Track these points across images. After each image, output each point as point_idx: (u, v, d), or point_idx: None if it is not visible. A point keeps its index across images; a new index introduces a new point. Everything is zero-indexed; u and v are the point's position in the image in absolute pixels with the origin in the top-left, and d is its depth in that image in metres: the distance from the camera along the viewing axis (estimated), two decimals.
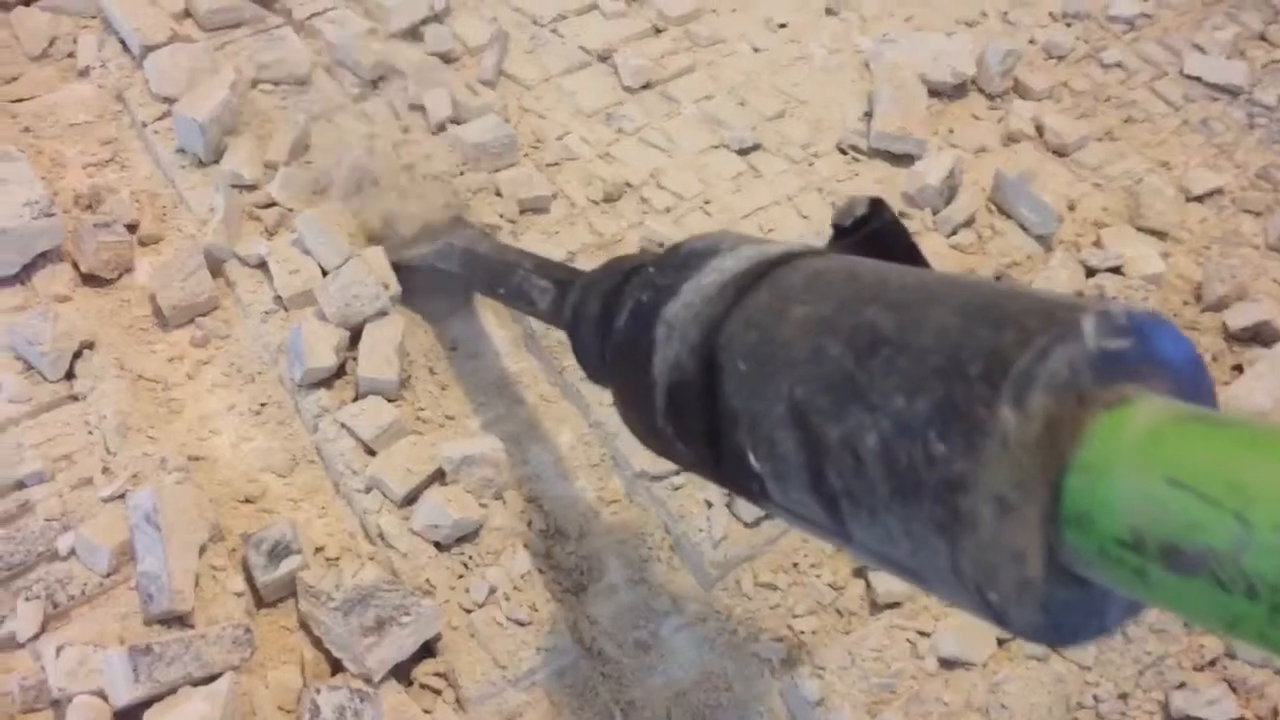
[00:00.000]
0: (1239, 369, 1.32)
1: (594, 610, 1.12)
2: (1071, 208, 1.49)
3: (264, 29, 1.57)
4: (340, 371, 1.22)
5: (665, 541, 1.16)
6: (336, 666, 1.04)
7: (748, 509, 1.15)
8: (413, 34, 1.61)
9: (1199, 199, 1.52)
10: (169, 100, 1.45)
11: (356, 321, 1.23)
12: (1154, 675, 1.08)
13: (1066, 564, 0.46)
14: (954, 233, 1.44)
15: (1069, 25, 1.77)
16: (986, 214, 1.48)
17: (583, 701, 1.05)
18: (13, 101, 1.47)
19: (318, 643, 1.05)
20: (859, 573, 1.14)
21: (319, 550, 1.11)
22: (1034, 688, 1.06)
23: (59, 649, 0.99)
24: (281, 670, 1.03)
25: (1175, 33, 1.77)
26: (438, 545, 1.11)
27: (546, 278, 1.04)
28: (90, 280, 1.29)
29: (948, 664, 1.08)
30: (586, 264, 1.21)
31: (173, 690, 0.97)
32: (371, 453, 1.17)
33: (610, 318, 0.77)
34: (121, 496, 1.09)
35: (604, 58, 1.64)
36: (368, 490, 1.14)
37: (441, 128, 1.49)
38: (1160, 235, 1.46)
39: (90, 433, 1.14)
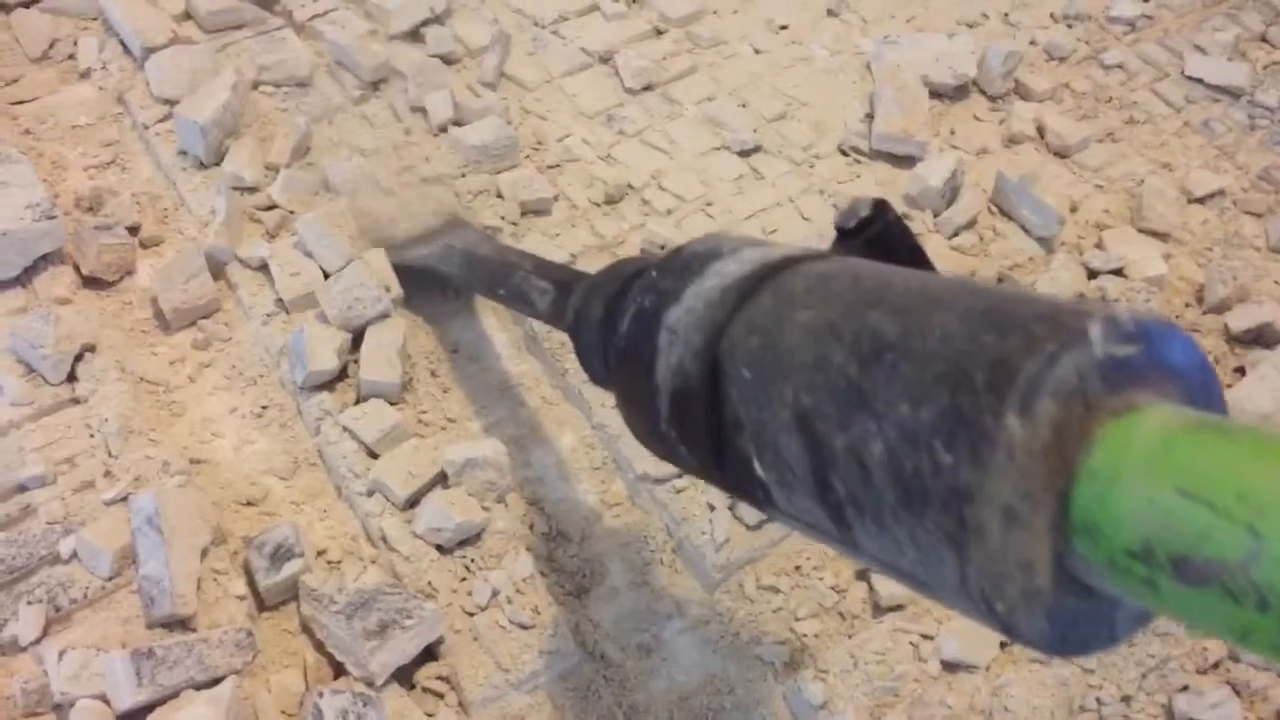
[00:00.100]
0: (1241, 371, 1.32)
1: (596, 613, 1.12)
2: (1073, 209, 1.49)
3: (265, 31, 1.57)
4: (342, 374, 1.22)
5: (668, 544, 1.16)
6: (339, 670, 1.03)
7: (750, 512, 1.15)
8: (414, 36, 1.61)
9: (1200, 201, 1.52)
10: (170, 102, 1.44)
11: (358, 324, 1.23)
12: (1157, 678, 1.08)
13: (1075, 573, 0.46)
14: (955, 235, 1.44)
15: (1070, 26, 1.77)
16: (988, 216, 1.48)
17: (585, 705, 1.05)
18: (13, 104, 1.46)
19: (320, 646, 1.05)
20: (861, 575, 1.14)
21: (321, 553, 1.11)
22: (1037, 691, 1.06)
23: (61, 653, 0.99)
24: (284, 674, 1.03)
25: (1176, 34, 1.77)
26: (440, 548, 1.11)
27: (546, 279, 1.04)
28: (91, 283, 1.29)
29: (951, 667, 1.08)
30: (588, 266, 1.21)
31: (175, 694, 0.96)
32: (374, 456, 1.16)
33: (613, 322, 0.76)
34: (123, 500, 1.08)
35: (605, 59, 1.64)
36: (370, 493, 1.14)
37: (443, 129, 1.48)
38: (1162, 237, 1.46)
39: (92, 436, 1.14)
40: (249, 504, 1.15)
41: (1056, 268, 1.38)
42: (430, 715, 1.02)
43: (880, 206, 0.67)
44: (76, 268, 1.29)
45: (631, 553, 1.16)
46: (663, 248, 1.36)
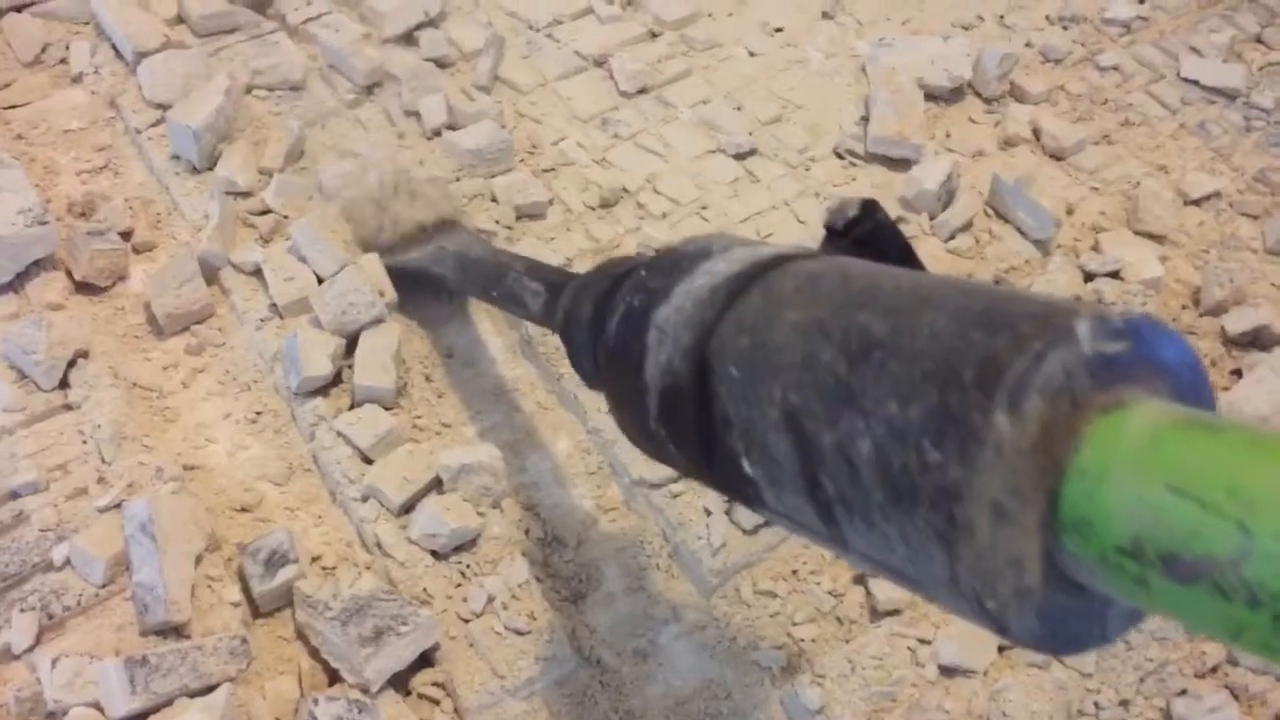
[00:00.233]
0: (1238, 373, 1.31)
1: (593, 619, 1.11)
2: (1069, 212, 1.49)
3: (258, 34, 1.57)
4: (336, 379, 1.21)
5: (664, 549, 1.16)
6: (334, 677, 1.03)
7: (747, 516, 1.15)
8: (408, 39, 1.60)
9: (1196, 202, 1.52)
10: (163, 107, 1.44)
11: (352, 329, 1.22)
12: (1155, 682, 1.07)
13: (1066, 571, 0.46)
14: (952, 237, 1.44)
15: (1065, 28, 1.77)
16: (984, 218, 1.47)
17: (582, 711, 1.05)
18: (5, 108, 1.46)
19: (315, 653, 1.04)
20: (859, 580, 1.14)
21: (316, 559, 1.10)
22: (1035, 695, 1.06)
23: (55, 660, 0.98)
24: (279, 681, 1.03)
25: (1172, 35, 1.77)
26: (435, 554, 1.11)
27: (538, 280, 1.04)
28: (84, 288, 1.28)
29: (948, 672, 1.08)
30: (582, 270, 1.21)
31: (169, 702, 0.96)
32: (368, 461, 1.16)
33: (602, 321, 0.76)
34: (117, 506, 1.08)
35: (600, 62, 1.63)
36: (365, 499, 1.14)
37: (437, 133, 1.48)
38: (1158, 239, 1.46)
39: (85, 442, 1.14)
40: (243, 510, 1.14)
41: (1053, 270, 1.38)
42: None
43: (869, 206, 0.67)
44: (69, 273, 1.28)
45: (628, 558, 1.15)
46: (657, 251, 1.35)
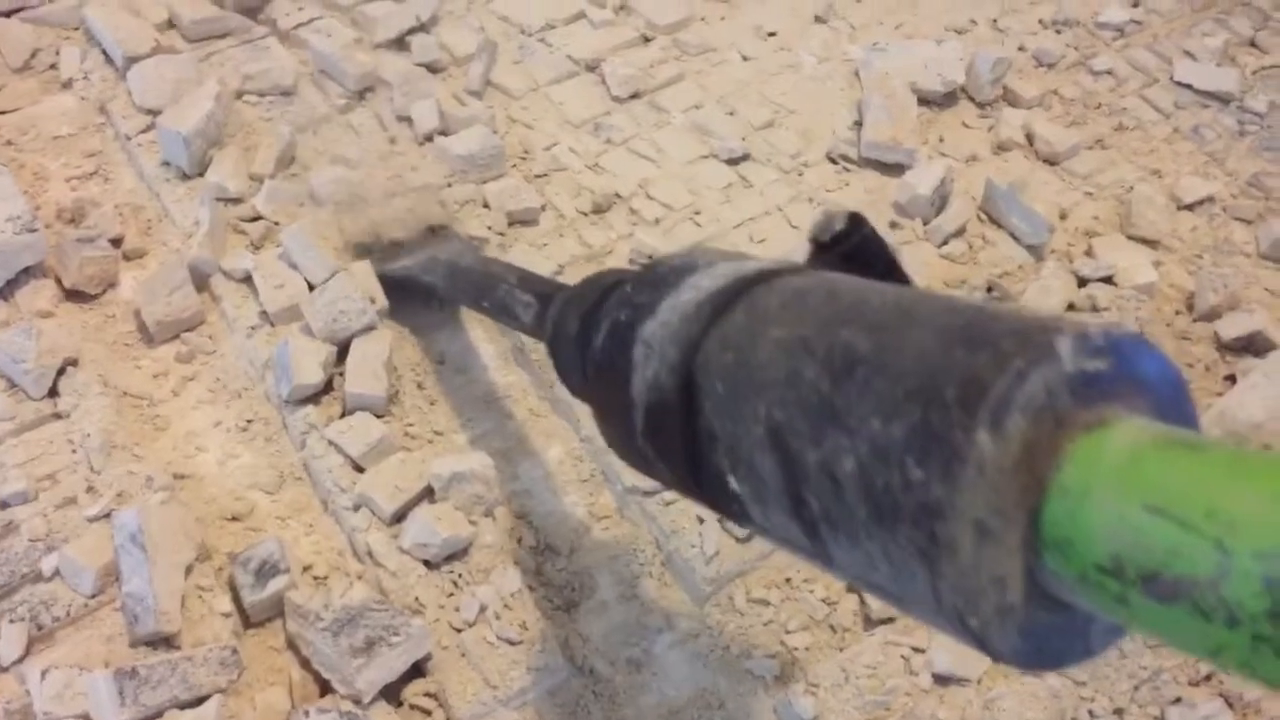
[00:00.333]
0: (1231, 379, 1.31)
1: (585, 628, 1.11)
2: (1063, 217, 1.49)
3: (249, 39, 1.56)
4: (328, 387, 1.21)
5: (657, 557, 1.16)
6: (325, 688, 1.02)
7: None
8: (399, 44, 1.60)
9: (1190, 207, 1.51)
10: (153, 112, 1.43)
11: (344, 336, 1.22)
12: (1149, 690, 1.07)
13: (1048, 588, 0.46)
14: (945, 243, 1.44)
15: (1059, 32, 1.77)
16: (978, 224, 1.47)
17: None
18: None
19: (306, 663, 1.04)
20: (852, 588, 1.13)
21: (307, 569, 1.10)
22: (1029, 703, 1.06)
23: (44, 672, 0.98)
24: (269, 692, 1.02)
25: (1165, 39, 1.76)
26: (427, 563, 1.10)
27: (530, 292, 1.03)
28: (74, 296, 1.28)
29: (942, 680, 1.08)
30: (575, 276, 1.20)
31: (159, 714, 0.96)
32: (360, 469, 1.15)
33: (589, 336, 0.76)
34: (106, 516, 1.07)
35: (592, 67, 1.63)
36: (356, 508, 1.13)
37: (428, 139, 1.47)
38: (1152, 244, 1.45)
39: (74, 451, 1.13)
40: (234, 519, 1.14)
41: (1046, 276, 1.38)
42: None
43: (855, 219, 0.67)
44: (58, 280, 1.28)
45: (621, 566, 1.15)
46: (650, 257, 1.35)
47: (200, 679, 0.98)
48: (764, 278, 0.64)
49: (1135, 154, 1.59)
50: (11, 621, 1.01)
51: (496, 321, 1.27)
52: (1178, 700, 1.06)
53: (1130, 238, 1.46)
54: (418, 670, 1.05)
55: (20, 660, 0.99)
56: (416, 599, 1.08)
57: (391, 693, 1.03)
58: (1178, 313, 1.39)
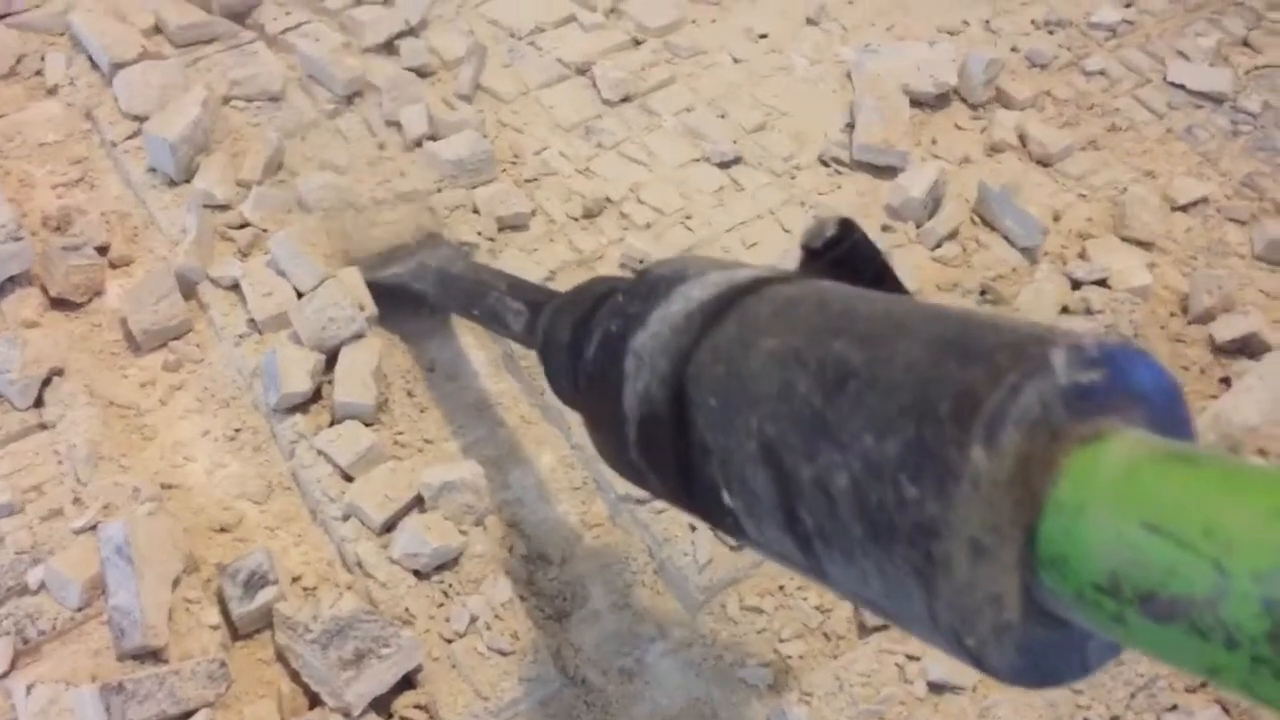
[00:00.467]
0: (1226, 382, 1.30)
1: (577, 637, 1.10)
2: (1056, 219, 1.48)
3: (236, 45, 1.55)
4: (316, 396, 1.20)
5: (649, 566, 1.15)
6: (314, 700, 1.01)
7: None
8: (388, 48, 1.59)
9: (1184, 209, 1.51)
10: (139, 118, 1.42)
11: (332, 344, 1.21)
12: (1146, 697, 1.06)
13: (1044, 606, 0.45)
14: (938, 245, 1.43)
15: (1051, 33, 1.76)
16: (971, 226, 1.46)
17: None
18: None
19: (295, 676, 1.02)
20: None
21: (296, 580, 1.09)
22: (1024, 712, 1.05)
23: (29, 687, 0.97)
24: (258, 705, 1.01)
25: (1158, 39, 1.76)
26: (417, 574, 1.09)
27: (520, 299, 1.03)
28: (59, 304, 1.27)
29: (937, 688, 1.07)
30: (566, 281, 1.20)
31: None
32: (349, 479, 1.14)
33: (580, 346, 0.75)
34: (93, 528, 1.06)
35: (582, 71, 1.62)
36: (345, 518, 1.12)
37: (418, 144, 1.46)
38: (1146, 246, 1.45)
39: (60, 462, 1.12)
40: (222, 530, 1.13)
41: (1040, 278, 1.37)
42: None
43: (846, 226, 0.66)
44: (44, 289, 1.26)
45: (613, 574, 1.14)
46: (641, 262, 1.34)
47: (188, 693, 0.97)
48: (755, 287, 0.63)
49: (1129, 155, 1.58)
50: None
51: (486, 329, 1.26)
52: (1174, 707, 1.06)
53: (1124, 239, 1.45)
54: (408, 682, 1.03)
55: (5, 675, 0.98)
56: (406, 610, 1.07)
57: (381, 705, 1.01)
58: (1172, 315, 1.39)
